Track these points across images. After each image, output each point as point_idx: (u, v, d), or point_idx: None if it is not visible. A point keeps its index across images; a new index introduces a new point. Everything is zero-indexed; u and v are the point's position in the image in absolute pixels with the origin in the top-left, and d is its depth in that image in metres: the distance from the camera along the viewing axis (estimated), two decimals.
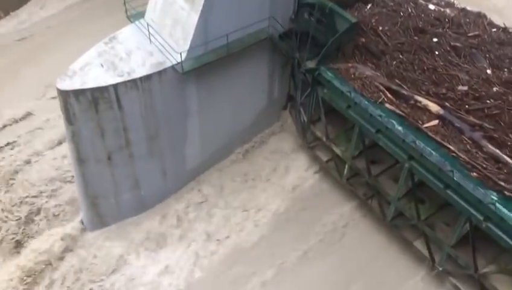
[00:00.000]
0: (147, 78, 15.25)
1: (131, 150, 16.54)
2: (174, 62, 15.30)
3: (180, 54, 15.01)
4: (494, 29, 17.81)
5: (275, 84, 19.55)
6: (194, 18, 15.22)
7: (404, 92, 15.53)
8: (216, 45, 15.85)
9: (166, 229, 18.02)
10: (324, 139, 18.21)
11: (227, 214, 18.44)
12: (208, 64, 15.85)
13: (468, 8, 19.06)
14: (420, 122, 14.63)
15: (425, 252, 15.87)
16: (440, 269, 15.48)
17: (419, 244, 16.12)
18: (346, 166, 17.65)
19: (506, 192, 12.75)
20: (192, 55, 15.52)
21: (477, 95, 14.99)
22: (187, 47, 15.36)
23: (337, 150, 17.88)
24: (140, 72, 15.20)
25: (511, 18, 19.64)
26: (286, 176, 19.42)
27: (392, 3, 18.55)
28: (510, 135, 13.87)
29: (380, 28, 17.38)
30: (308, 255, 17.35)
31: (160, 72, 15.41)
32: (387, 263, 16.91)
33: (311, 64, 16.91)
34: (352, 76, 16.31)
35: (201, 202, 18.72)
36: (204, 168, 19.26)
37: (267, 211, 18.48)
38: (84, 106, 14.97)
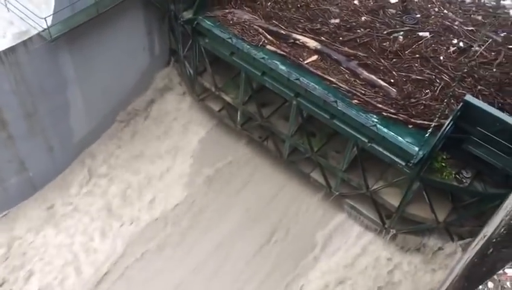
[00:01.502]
0: (11, 50, 13.92)
1: (9, 131, 15.25)
2: (40, 29, 14.07)
3: (45, 19, 13.81)
4: None
5: (154, 41, 18.88)
6: None
7: (282, 31, 15.90)
8: (84, 4, 14.80)
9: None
10: (213, 89, 18.19)
11: (126, 186, 18.14)
12: (79, 26, 14.81)
13: None
14: (301, 59, 15.18)
15: (323, 181, 16.92)
16: (336, 193, 16.66)
17: (316, 175, 17.11)
18: (239, 112, 17.92)
19: (384, 113, 13.86)
20: (59, 20, 14.36)
21: (348, 26, 15.83)
22: (51, 11, 14.15)
23: (228, 98, 18.00)
24: (1, 45, 13.79)
25: None
26: (182, 134, 19.26)
27: None
28: (381, 60, 14.94)
29: None
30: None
31: (25, 42, 14.13)
32: (290, 197, 17.81)
33: (188, 14, 16.54)
34: (231, 22, 16.28)
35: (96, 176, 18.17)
36: (93, 137, 18.40)
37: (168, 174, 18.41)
38: None
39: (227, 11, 16.62)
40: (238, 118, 18.13)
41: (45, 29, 13.97)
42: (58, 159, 17.41)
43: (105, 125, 18.67)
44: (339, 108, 14.17)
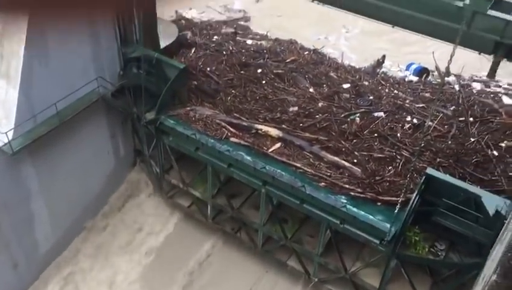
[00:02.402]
0: None
1: None
2: (1, 144, 13.99)
3: (6, 133, 13.79)
4: (306, 52, 19.82)
5: (119, 143, 19.01)
6: (14, 94, 14.20)
7: (244, 123, 16.35)
8: (46, 115, 14.94)
9: None
10: (181, 185, 18.18)
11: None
12: (41, 137, 14.82)
13: (280, 37, 20.95)
14: (265, 148, 15.51)
15: (300, 268, 16.60)
16: (316, 279, 16.31)
17: (293, 262, 16.81)
18: (209, 206, 17.81)
19: (352, 193, 14.06)
20: (20, 132, 14.38)
21: (307, 112, 16.43)
22: (12, 124, 14.19)
23: (196, 193, 17.97)
24: None
25: (305, 37, 22.11)
26: (152, 234, 18.85)
27: (213, 45, 19.54)
28: (342, 142, 15.40)
29: (208, 69, 18.17)
30: None
31: None
32: (268, 289, 17.26)
33: (150, 115, 16.88)
34: (194, 119, 16.68)
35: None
36: (60, 248, 17.71)
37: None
38: None
39: (189, 108, 17.08)
40: (209, 212, 17.98)
41: (6, 143, 13.90)
42: (23, 275, 16.55)
43: (72, 234, 18.09)
44: (308, 192, 14.31)
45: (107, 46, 16.65)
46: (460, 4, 10.39)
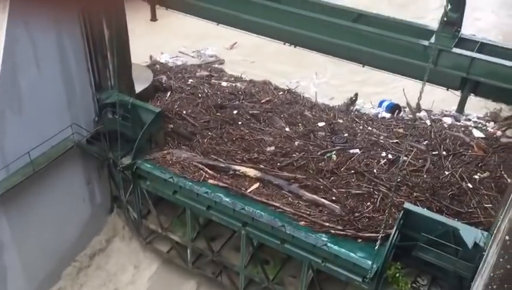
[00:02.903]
0: None
1: None
2: None
3: None
4: (281, 92, 20.17)
5: (95, 190, 18.68)
6: None
7: (222, 165, 16.33)
8: (19, 164, 14.67)
9: None
10: (160, 230, 17.86)
11: None
12: (14, 187, 14.49)
13: (254, 78, 21.33)
14: (243, 188, 15.45)
15: None
16: None
17: None
18: (188, 250, 17.49)
19: (332, 231, 14.03)
20: None
21: (283, 152, 16.54)
22: None
23: (176, 237, 17.66)
24: None
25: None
26: (130, 283, 18.31)
27: (188, 88, 19.74)
28: (320, 180, 15.48)
29: (184, 112, 18.26)
30: None
31: None
32: None
33: (127, 160, 16.73)
34: (171, 162, 16.57)
35: None
36: None
37: None
38: None
39: (165, 152, 17.00)
40: (189, 256, 17.63)
41: None
42: None
43: (47, 285, 17.43)
44: (288, 232, 14.21)
45: (82, 93, 16.64)
46: (426, 43, 10.82)
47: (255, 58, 27.44)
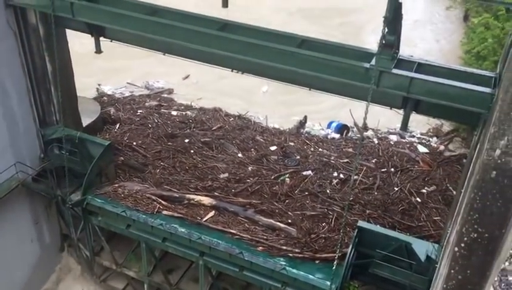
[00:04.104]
0: None
1: None
2: None
3: None
4: (232, 119, 20.32)
5: (43, 229, 17.89)
6: None
7: (176, 195, 16.10)
8: None
9: None
10: (114, 267, 17.30)
11: None
12: None
13: (204, 106, 21.37)
14: (199, 217, 15.28)
15: None
16: None
17: None
18: (145, 285, 17.00)
19: (290, 254, 14.06)
20: None
21: (237, 178, 16.56)
22: None
23: (131, 273, 17.17)
24: None
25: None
26: None
27: (138, 119, 19.53)
28: (275, 204, 15.57)
29: (135, 143, 18.01)
30: None
31: None
32: None
33: (76, 196, 16.19)
34: (123, 195, 16.17)
35: None
36: None
37: None
38: None
39: (117, 185, 16.59)
40: None
41: None
42: None
43: None
44: (246, 259, 14.10)
45: (25, 130, 16.04)
46: (367, 65, 11.20)
47: (208, 89, 26.95)
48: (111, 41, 14.59)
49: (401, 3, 10.43)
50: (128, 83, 26.19)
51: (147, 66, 26.53)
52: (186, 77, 27.67)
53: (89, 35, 14.72)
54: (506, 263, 13.22)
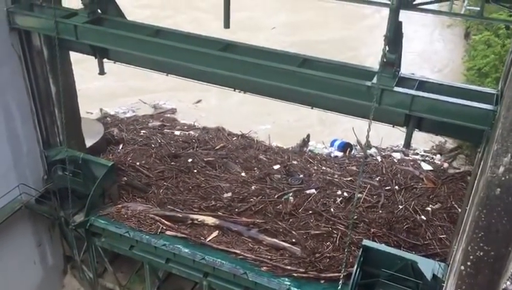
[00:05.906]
0: None
1: None
2: None
3: None
4: (235, 138, 20.36)
5: (46, 251, 17.79)
6: None
7: (179, 215, 16.05)
8: None
9: None
10: (118, 288, 17.15)
11: None
12: None
13: (207, 125, 21.44)
14: (202, 238, 15.18)
15: None
16: None
17: None
18: None
19: (294, 274, 13.92)
20: None
21: (241, 197, 16.51)
22: None
23: None
24: None
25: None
26: None
27: (141, 139, 19.58)
28: (279, 223, 15.47)
29: (138, 163, 18.01)
30: None
31: None
32: None
33: (79, 218, 16.17)
34: (126, 216, 16.12)
35: None
36: None
37: None
38: None
39: (120, 206, 16.56)
40: None
41: None
42: None
43: None
44: (250, 279, 13.96)
45: (29, 151, 16.09)
46: (369, 84, 11.23)
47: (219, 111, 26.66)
48: (114, 62, 14.72)
49: (401, 22, 10.53)
50: (140, 100, 26.54)
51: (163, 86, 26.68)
52: (198, 102, 27.76)
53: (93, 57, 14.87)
54: (508, 282, 13.01)
